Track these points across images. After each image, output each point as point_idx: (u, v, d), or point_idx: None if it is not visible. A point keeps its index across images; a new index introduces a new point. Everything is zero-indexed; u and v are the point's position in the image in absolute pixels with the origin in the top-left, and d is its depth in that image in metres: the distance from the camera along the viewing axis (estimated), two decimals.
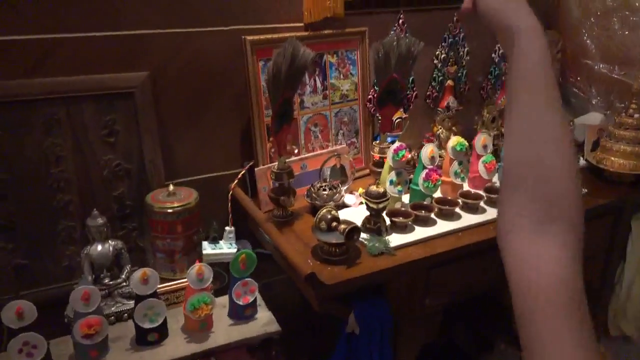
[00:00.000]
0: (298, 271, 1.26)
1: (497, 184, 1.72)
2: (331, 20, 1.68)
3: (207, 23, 1.51)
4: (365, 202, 1.44)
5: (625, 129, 1.80)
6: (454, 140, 1.62)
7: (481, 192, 1.63)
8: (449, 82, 1.92)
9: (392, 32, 1.76)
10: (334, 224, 1.34)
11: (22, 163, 1.30)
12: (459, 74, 1.95)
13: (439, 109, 1.92)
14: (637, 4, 1.95)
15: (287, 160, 1.61)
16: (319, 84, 1.69)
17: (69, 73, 1.34)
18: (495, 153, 1.84)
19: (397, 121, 1.81)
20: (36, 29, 1.31)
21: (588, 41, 2.11)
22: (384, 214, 1.46)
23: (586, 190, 1.75)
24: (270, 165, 1.56)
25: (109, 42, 1.39)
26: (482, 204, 1.61)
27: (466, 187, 1.74)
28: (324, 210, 1.38)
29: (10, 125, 1.28)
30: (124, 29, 1.40)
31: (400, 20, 1.76)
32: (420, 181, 1.57)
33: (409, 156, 1.58)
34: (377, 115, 1.79)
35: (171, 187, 1.33)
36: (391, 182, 1.54)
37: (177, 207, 1.29)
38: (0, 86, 1.27)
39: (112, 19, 1.39)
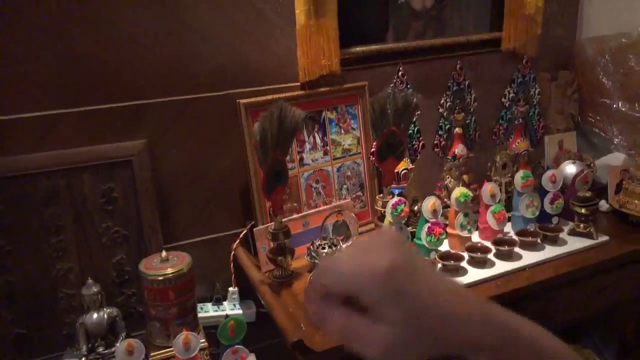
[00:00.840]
0: (286, 337, 1.22)
1: (510, 235, 1.64)
2: (329, 77, 1.69)
3: (203, 89, 1.55)
4: None
5: None
6: (458, 192, 1.56)
7: (489, 245, 1.55)
8: (457, 130, 1.87)
9: (391, 85, 1.75)
10: None
11: (23, 234, 1.34)
12: (468, 121, 1.91)
13: (448, 157, 1.87)
14: None
15: (288, 218, 1.60)
16: (318, 140, 1.69)
17: (69, 146, 1.40)
18: (508, 201, 1.77)
19: (403, 172, 1.77)
20: (40, 106, 1.38)
21: (604, 79, 2.02)
22: None
23: (608, 237, 1.63)
24: (268, 225, 1.54)
25: (108, 114, 1.45)
26: (491, 256, 1.53)
27: (477, 238, 1.66)
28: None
29: (13, 198, 1.33)
30: (122, 101, 1.46)
31: (400, 73, 1.75)
32: (423, 235, 1.51)
33: (408, 210, 1.53)
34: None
35: (164, 254, 1.33)
36: None
37: (169, 273, 1.29)
38: (5, 162, 1.33)
39: (110, 92, 1.44)
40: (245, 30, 1.56)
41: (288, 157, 1.63)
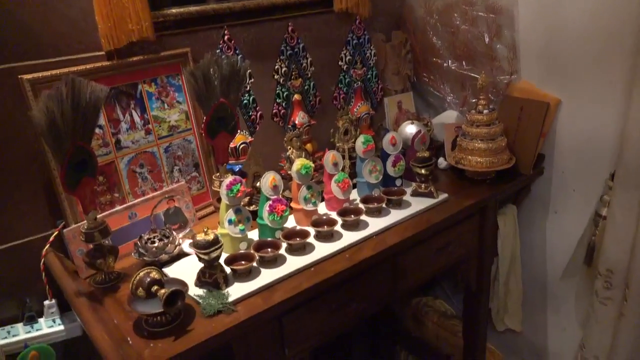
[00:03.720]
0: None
1: (356, 202, 1.56)
2: (143, 44, 1.43)
3: None
4: (196, 254, 1.20)
5: (477, 126, 1.71)
6: (298, 164, 1.43)
7: (335, 217, 1.45)
8: (296, 97, 1.74)
9: (217, 51, 1.54)
10: (155, 287, 1.10)
11: None
12: (306, 87, 1.78)
13: (290, 126, 1.74)
14: None
15: (107, 213, 1.34)
16: (137, 119, 1.43)
17: None
18: (355, 167, 1.68)
19: (241, 147, 1.60)
20: None
21: (434, 39, 2.02)
22: (221, 262, 1.24)
23: (447, 194, 1.63)
24: (80, 224, 1.27)
25: None
26: (338, 228, 1.43)
27: (324, 209, 1.56)
28: (142, 273, 1.13)
29: None
30: None
31: (226, 37, 1.55)
32: (265, 215, 1.36)
33: (245, 189, 1.36)
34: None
35: None
36: (230, 222, 1.32)
37: None
38: None
39: None
40: None
41: (101, 141, 1.37)
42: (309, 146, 1.74)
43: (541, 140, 1.79)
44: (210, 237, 1.17)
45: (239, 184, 1.31)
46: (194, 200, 1.56)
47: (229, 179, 1.31)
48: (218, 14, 1.58)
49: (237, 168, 1.57)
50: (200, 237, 1.18)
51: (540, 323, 2.02)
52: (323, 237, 1.39)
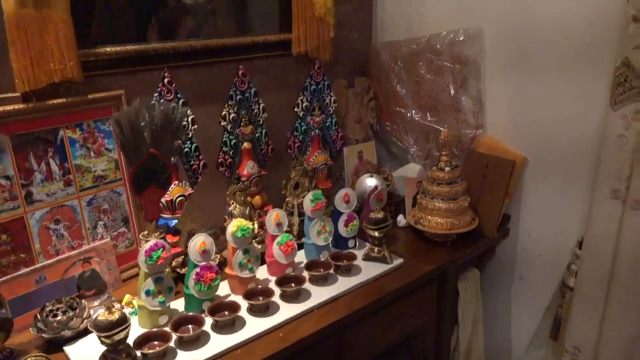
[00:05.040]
0: None
1: (301, 267, 1.38)
2: (74, 85, 1.26)
3: None
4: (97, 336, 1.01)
5: (438, 184, 1.57)
6: (233, 226, 1.25)
7: (273, 286, 1.27)
8: (245, 145, 1.57)
9: (155, 95, 1.37)
10: None
11: None
12: (257, 134, 1.62)
13: (240, 177, 1.56)
14: (438, 46, 1.76)
15: (6, 278, 1.15)
16: (55, 168, 1.25)
17: None
18: (301, 225, 1.52)
19: (178, 200, 1.42)
20: None
21: (398, 87, 1.89)
22: (130, 343, 1.04)
23: (402, 259, 1.46)
24: None
25: None
26: (276, 299, 1.25)
27: (265, 274, 1.38)
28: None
29: None
30: None
31: (166, 80, 1.38)
32: (191, 284, 1.18)
33: (169, 255, 1.17)
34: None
35: None
36: (148, 293, 1.13)
37: None
38: None
39: None
40: None
41: (7, 194, 1.18)
42: (257, 199, 1.56)
43: (506, 200, 1.65)
44: (115, 316, 0.98)
45: (161, 249, 1.13)
46: (122, 259, 1.37)
47: (150, 243, 1.12)
48: (160, 54, 1.42)
49: (172, 223, 1.40)
50: (102, 316, 0.98)
51: None
52: (257, 310, 1.21)
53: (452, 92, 1.77)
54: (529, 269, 1.69)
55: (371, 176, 1.66)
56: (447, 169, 1.56)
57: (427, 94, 1.83)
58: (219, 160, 1.55)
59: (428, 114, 1.83)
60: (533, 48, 1.53)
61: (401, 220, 1.70)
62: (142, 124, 1.20)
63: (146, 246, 1.12)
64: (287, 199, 1.55)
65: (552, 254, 1.61)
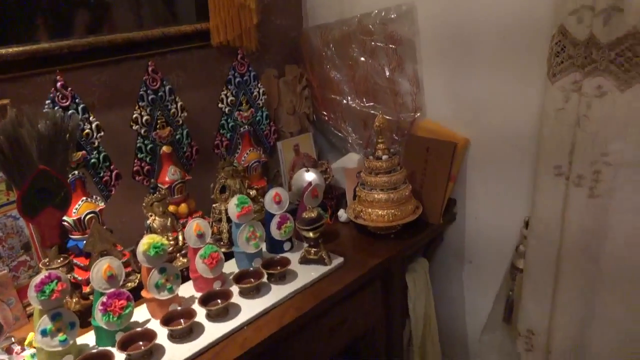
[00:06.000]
0: None
1: (230, 283, 1.24)
2: None
3: None
4: None
5: (376, 174, 1.44)
6: (144, 243, 1.10)
7: (194, 307, 1.13)
8: (164, 149, 1.40)
9: (47, 102, 1.19)
10: None
11: None
12: (177, 136, 1.45)
13: (156, 186, 1.40)
14: (370, 27, 1.63)
15: None
16: None
17: None
18: (231, 232, 1.37)
19: (87, 217, 1.25)
20: None
21: (332, 73, 1.75)
22: None
23: (342, 258, 1.34)
24: None
25: None
26: (201, 319, 1.11)
27: (191, 291, 1.24)
28: None
29: None
30: None
31: (59, 84, 1.20)
32: (98, 315, 1.02)
33: (66, 286, 1.01)
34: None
35: None
36: (45, 332, 0.97)
37: None
38: None
39: None
40: None
41: None
42: (183, 207, 1.41)
43: (450, 185, 1.55)
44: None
45: (55, 281, 0.97)
46: (25, 291, 1.19)
47: (40, 276, 0.96)
48: (52, 55, 1.24)
49: (82, 244, 1.23)
50: None
51: None
52: (178, 336, 1.06)
53: (388, 74, 1.64)
54: (478, 253, 1.60)
55: (307, 170, 1.53)
56: (384, 157, 1.44)
57: (362, 78, 1.69)
58: (135, 168, 1.38)
59: (365, 100, 1.70)
60: (468, 25, 1.42)
61: (342, 215, 1.57)
62: (25, 137, 1.03)
63: (36, 280, 0.95)
64: (214, 205, 1.40)
65: (501, 236, 1.52)
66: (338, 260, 1.33)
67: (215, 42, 1.55)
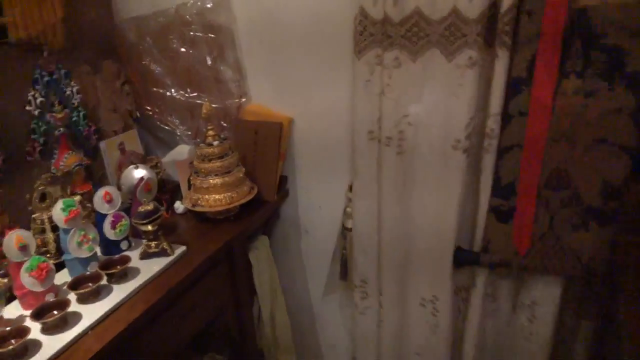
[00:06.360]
0: None
1: (66, 290, 1.17)
2: None
3: None
4: None
5: (209, 161, 1.48)
6: None
7: (28, 323, 1.05)
8: None
9: None
10: None
11: None
12: None
13: None
14: (187, 17, 1.63)
15: None
16: None
17: None
18: (59, 241, 1.28)
19: None
20: None
21: (152, 66, 1.71)
22: None
23: (185, 247, 1.36)
24: None
25: None
26: (36, 335, 1.04)
27: (19, 310, 1.14)
28: None
29: None
30: None
31: None
32: None
33: None
34: None
35: None
36: None
37: None
38: None
39: None
40: None
41: None
42: None
43: (280, 163, 1.65)
44: None
45: None
46: None
47: None
48: None
49: None
50: None
51: (313, 347, 1.92)
52: (10, 358, 0.98)
53: (210, 63, 1.67)
54: (313, 222, 1.73)
55: (136, 167, 1.49)
56: (215, 142, 1.47)
57: (184, 69, 1.69)
58: None
59: (189, 90, 1.70)
60: (281, 10, 1.50)
61: (179, 206, 1.58)
62: None
63: None
64: (33, 215, 1.29)
65: (330, 203, 1.66)
66: (181, 249, 1.34)
67: (16, 38, 1.41)
